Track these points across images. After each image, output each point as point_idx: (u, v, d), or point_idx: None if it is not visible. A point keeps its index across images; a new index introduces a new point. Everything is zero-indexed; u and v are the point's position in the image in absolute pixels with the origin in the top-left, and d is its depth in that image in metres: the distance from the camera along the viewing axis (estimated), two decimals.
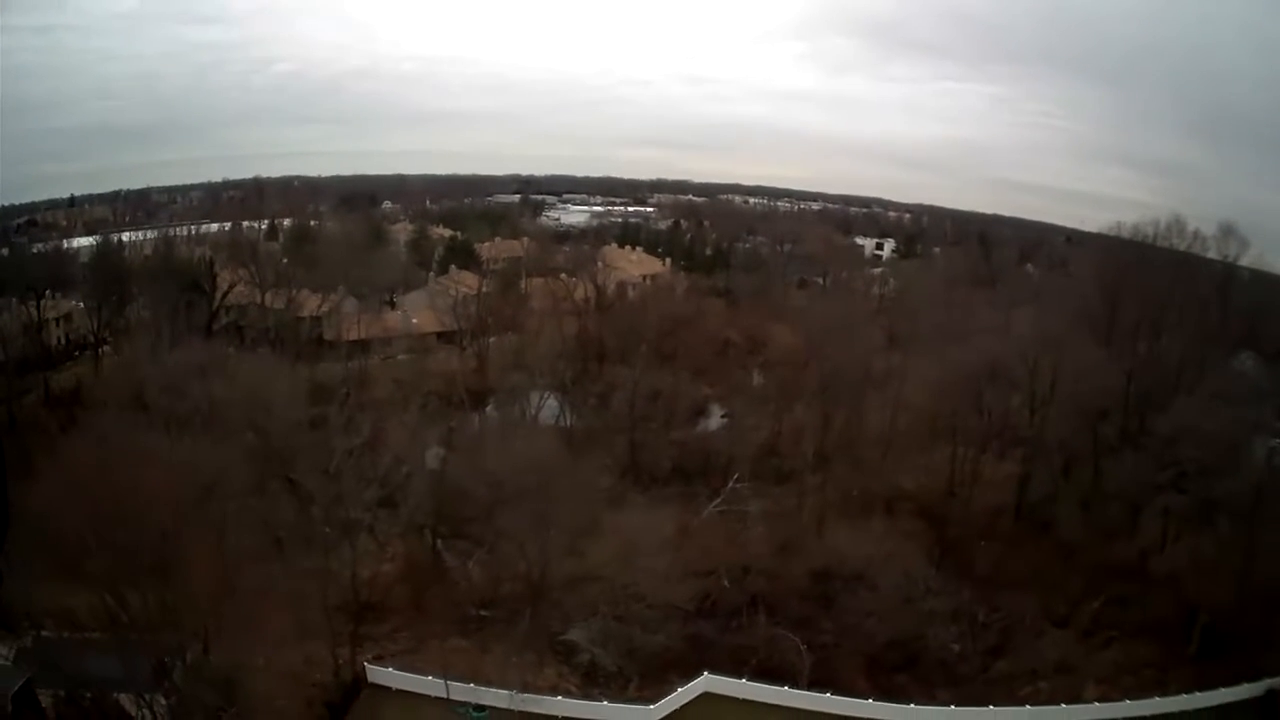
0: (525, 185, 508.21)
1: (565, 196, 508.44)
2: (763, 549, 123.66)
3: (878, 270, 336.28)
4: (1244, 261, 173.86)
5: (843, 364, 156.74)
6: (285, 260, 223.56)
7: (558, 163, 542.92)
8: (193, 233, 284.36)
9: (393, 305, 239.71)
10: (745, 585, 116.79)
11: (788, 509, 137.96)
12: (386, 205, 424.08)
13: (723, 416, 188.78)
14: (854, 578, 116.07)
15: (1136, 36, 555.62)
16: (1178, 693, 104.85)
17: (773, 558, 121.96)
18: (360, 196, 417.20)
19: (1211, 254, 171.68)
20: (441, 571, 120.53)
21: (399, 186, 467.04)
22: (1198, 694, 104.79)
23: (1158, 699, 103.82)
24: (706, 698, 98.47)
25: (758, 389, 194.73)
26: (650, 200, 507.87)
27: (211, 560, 78.78)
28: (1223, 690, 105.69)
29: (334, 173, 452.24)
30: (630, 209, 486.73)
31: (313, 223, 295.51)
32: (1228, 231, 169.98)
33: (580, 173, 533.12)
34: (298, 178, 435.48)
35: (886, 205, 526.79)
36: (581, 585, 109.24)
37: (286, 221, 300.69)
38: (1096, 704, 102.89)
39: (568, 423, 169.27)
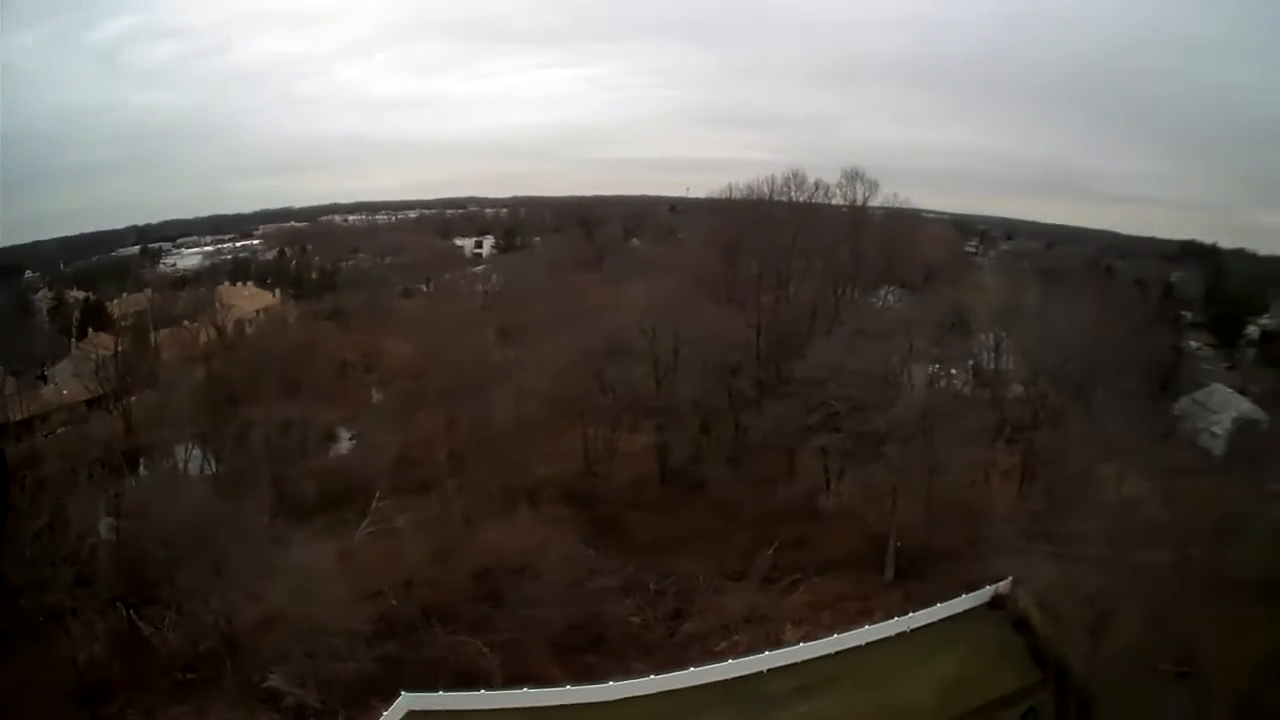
0: (143, 235, 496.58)
1: (179, 240, 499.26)
2: (420, 561, 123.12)
3: (479, 268, 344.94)
4: (876, 202, 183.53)
5: (459, 366, 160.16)
6: None
7: (170, 207, 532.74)
8: None
9: (45, 378, 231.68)
10: (413, 599, 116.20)
11: (434, 517, 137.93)
12: (29, 274, 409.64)
13: (351, 438, 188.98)
14: (516, 571, 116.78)
15: None
16: (887, 618, 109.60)
17: (432, 567, 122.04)
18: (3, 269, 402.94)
19: (837, 200, 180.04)
20: (142, 641, 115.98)
21: (34, 253, 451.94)
22: (937, 606, 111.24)
23: (898, 619, 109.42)
24: (411, 716, 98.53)
25: (380, 405, 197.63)
26: (256, 232, 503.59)
27: None
28: (952, 602, 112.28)
29: None
30: (239, 244, 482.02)
31: None
32: (853, 176, 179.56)
33: (190, 214, 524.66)
34: None
35: (483, 202, 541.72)
36: (268, 628, 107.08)
37: None
38: (836, 636, 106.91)
39: (214, 470, 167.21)
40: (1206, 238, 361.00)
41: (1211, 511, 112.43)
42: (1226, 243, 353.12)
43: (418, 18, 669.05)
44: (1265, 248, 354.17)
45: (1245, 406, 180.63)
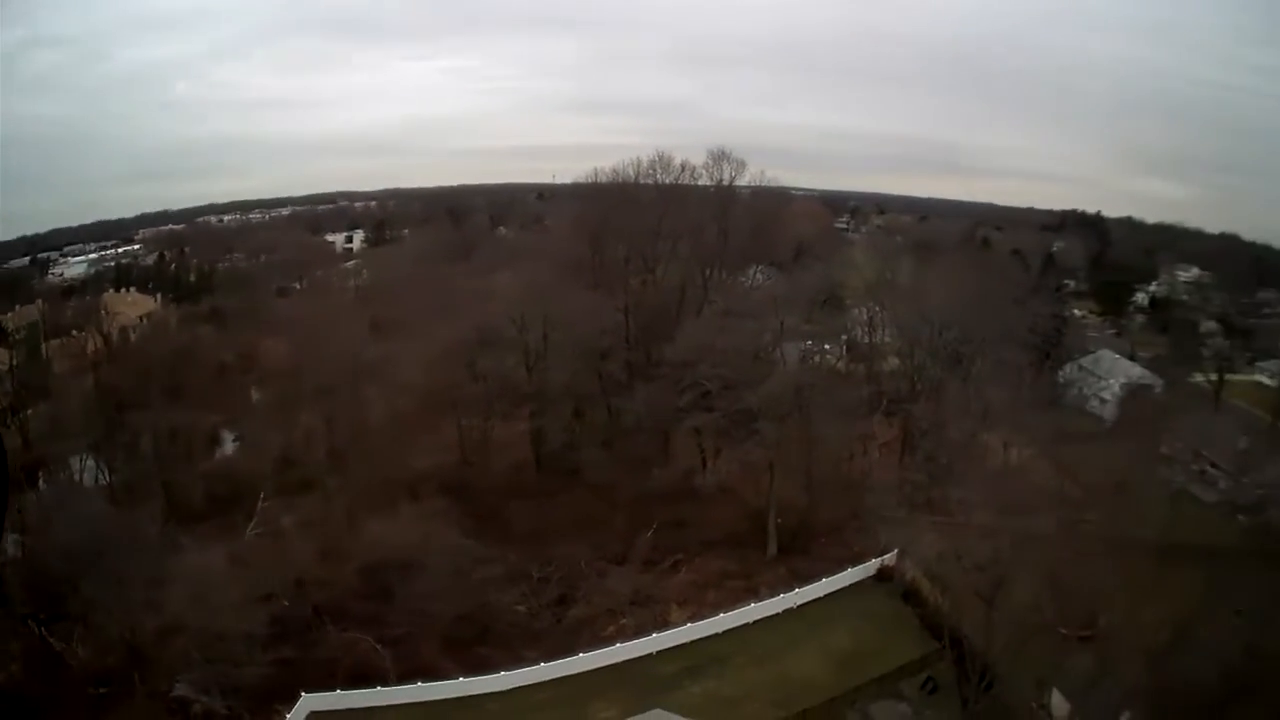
0: (32, 245, 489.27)
1: (66, 249, 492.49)
2: (308, 560, 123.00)
3: (351, 264, 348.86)
4: (743, 181, 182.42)
5: (334, 362, 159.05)
6: None
7: (56, 216, 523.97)
8: None
9: None
10: (304, 599, 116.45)
11: (318, 516, 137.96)
12: None
13: (234, 440, 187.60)
14: (402, 566, 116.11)
15: None
16: (772, 595, 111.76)
17: (320, 566, 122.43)
18: None
19: (704, 181, 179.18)
20: (55, 658, 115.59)
21: None
22: (823, 581, 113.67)
23: (784, 595, 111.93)
24: (314, 717, 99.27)
25: (260, 405, 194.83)
26: (137, 237, 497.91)
27: None
28: (838, 576, 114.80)
29: None
30: (121, 249, 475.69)
31: None
32: (719, 157, 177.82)
33: (75, 222, 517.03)
34: None
35: (352, 196, 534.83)
36: (170, 637, 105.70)
37: None
38: (723, 615, 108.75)
39: (108, 479, 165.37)
40: (1090, 208, 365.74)
41: (1103, 476, 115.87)
42: (1111, 212, 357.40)
43: (286, 18, 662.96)
44: (1153, 215, 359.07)
45: (1135, 371, 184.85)
